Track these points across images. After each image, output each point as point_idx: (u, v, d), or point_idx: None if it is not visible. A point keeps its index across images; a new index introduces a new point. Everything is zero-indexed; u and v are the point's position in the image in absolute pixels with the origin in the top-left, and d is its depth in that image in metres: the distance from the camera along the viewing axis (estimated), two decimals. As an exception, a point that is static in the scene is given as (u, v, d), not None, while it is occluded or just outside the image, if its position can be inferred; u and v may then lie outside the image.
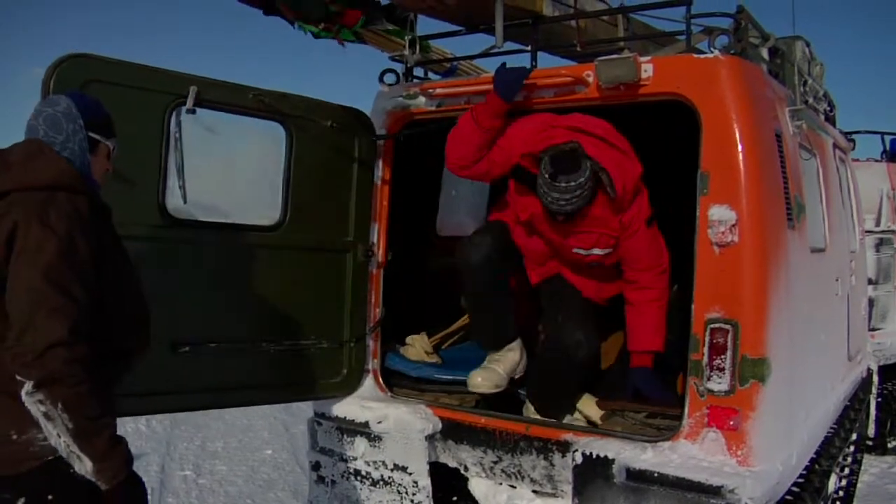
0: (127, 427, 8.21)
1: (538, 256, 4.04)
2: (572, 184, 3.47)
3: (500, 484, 3.89)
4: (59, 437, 2.25)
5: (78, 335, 2.27)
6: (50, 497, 2.37)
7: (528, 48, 4.09)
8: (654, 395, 3.78)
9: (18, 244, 2.31)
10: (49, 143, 2.50)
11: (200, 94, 3.57)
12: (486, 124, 3.72)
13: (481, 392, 4.04)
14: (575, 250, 3.80)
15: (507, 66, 3.76)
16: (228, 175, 4.38)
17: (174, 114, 3.52)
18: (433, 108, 4.17)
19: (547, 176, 3.50)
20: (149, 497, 6.33)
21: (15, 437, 2.34)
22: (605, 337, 4.29)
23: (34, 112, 2.57)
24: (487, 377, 4.01)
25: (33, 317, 2.24)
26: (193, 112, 3.55)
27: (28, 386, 2.22)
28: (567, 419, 3.92)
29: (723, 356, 3.28)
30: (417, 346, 4.58)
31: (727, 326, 3.28)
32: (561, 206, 3.54)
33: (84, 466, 2.30)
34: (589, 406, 3.92)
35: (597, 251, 3.79)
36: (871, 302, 7.34)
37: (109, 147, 2.69)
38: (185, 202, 3.53)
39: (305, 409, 7.78)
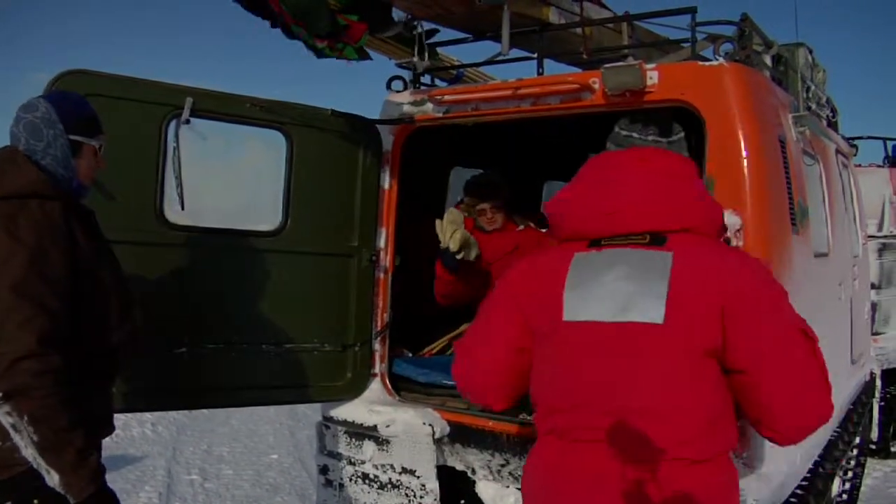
0: (133, 432, 8.28)
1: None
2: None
3: (508, 487, 3.91)
4: (27, 448, 2.26)
5: (49, 345, 2.28)
6: (35, 501, 2.38)
7: (534, 55, 4.14)
8: None
9: None
10: (30, 150, 2.51)
11: (197, 105, 3.64)
12: None
13: None
14: None
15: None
16: (229, 182, 4.44)
17: (171, 124, 3.61)
18: (440, 115, 4.21)
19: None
20: (157, 501, 6.36)
21: (0, 443, 2.35)
22: None
23: (15, 118, 2.57)
24: None
25: (2, 329, 2.25)
26: (188, 122, 3.62)
27: None
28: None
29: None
30: None
31: (732, 330, 3.30)
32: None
33: (52, 479, 2.30)
34: None
35: None
36: (873, 306, 7.37)
37: (95, 146, 2.66)
38: (182, 209, 3.63)
39: (310, 413, 7.85)
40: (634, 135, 2.52)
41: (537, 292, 2.39)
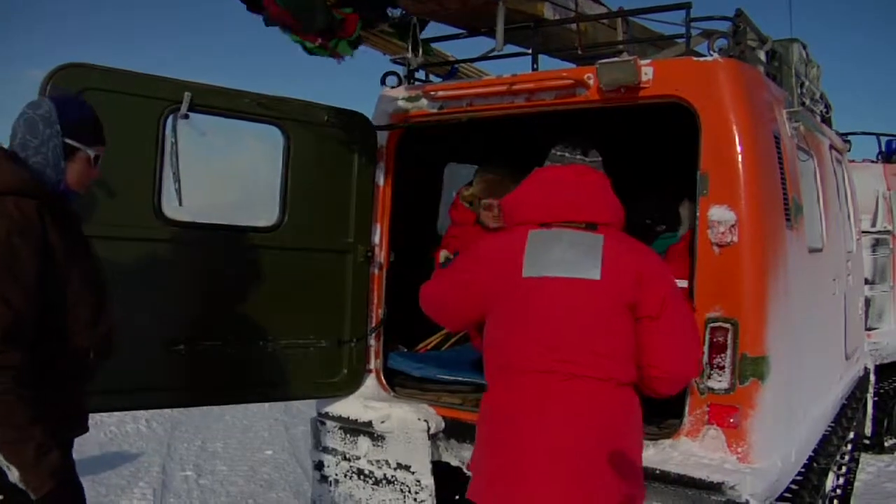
0: (127, 428, 8.26)
1: None
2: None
3: (503, 482, 3.92)
4: None
5: (10, 342, 2.29)
6: (1, 497, 2.40)
7: (529, 51, 4.14)
8: None
9: None
10: (23, 146, 2.53)
11: (195, 100, 3.64)
12: None
13: None
14: None
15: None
16: (227, 178, 4.43)
17: (169, 119, 3.59)
18: (435, 111, 4.21)
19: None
20: (151, 497, 6.34)
21: None
22: None
23: (20, 113, 2.60)
24: None
25: None
26: (187, 117, 3.61)
27: None
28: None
29: (723, 355, 3.33)
30: None
31: (727, 325, 3.32)
32: None
33: (12, 475, 2.31)
34: None
35: None
36: (867, 301, 7.38)
37: (90, 155, 2.66)
38: (180, 205, 3.62)
39: (305, 409, 7.86)
40: (566, 154, 3.17)
41: (500, 259, 3.02)
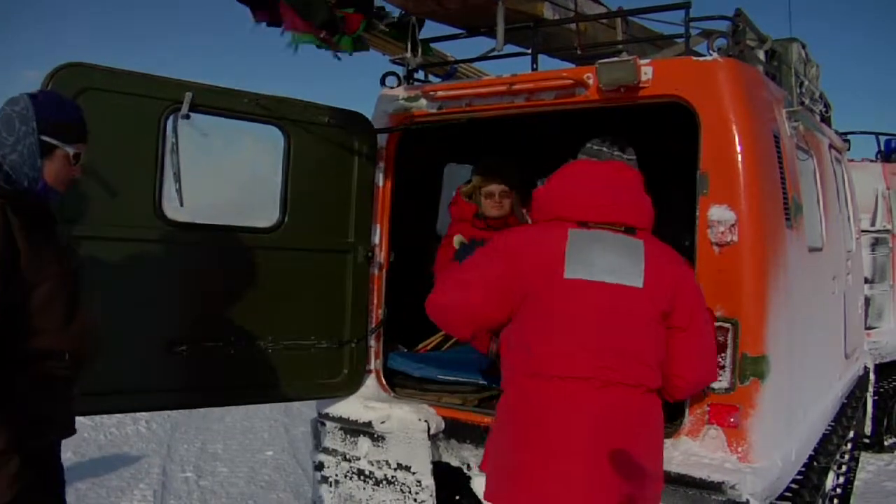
0: (127, 430, 8.25)
1: None
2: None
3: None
4: None
5: None
6: None
7: (529, 51, 4.14)
8: None
9: None
10: (0, 143, 2.48)
11: (196, 100, 3.62)
12: None
13: None
14: None
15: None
16: (228, 178, 4.43)
17: (170, 119, 3.58)
18: (434, 111, 4.21)
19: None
20: (151, 499, 6.33)
21: None
22: None
23: None
24: None
25: None
26: (188, 117, 3.60)
27: None
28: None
29: (723, 354, 3.32)
30: None
31: (727, 325, 3.31)
32: None
33: None
34: None
35: None
36: (867, 301, 7.38)
37: (69, 153, 2.60)
38: (181, 205, 3.60)
39: (305, 410, 7.86)
40: (604, 149, 3.18)
41: (537, 255, 2.96)
